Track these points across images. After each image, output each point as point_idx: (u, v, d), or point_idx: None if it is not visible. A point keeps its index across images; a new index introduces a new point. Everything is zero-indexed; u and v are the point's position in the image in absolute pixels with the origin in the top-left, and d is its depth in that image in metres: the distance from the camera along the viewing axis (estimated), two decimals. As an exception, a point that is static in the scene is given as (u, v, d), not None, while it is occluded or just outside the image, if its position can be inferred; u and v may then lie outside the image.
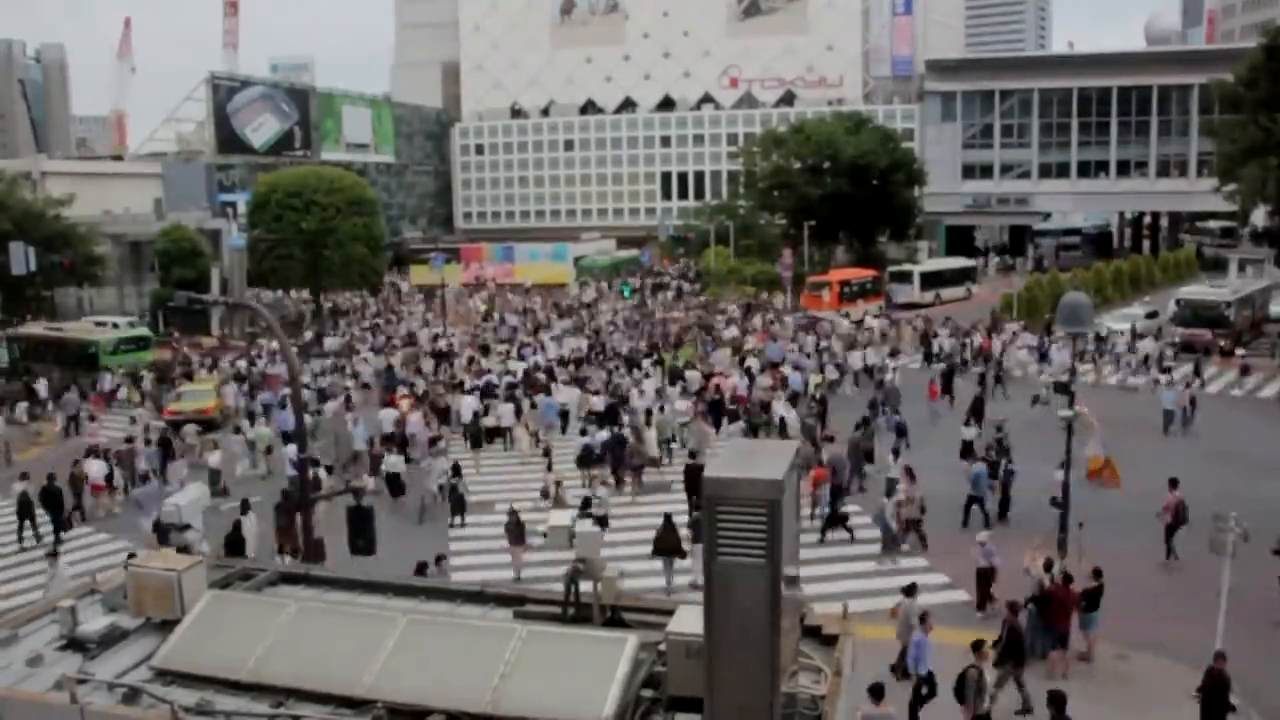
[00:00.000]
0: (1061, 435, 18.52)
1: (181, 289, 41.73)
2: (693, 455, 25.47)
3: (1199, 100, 72.67)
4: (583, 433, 27.27)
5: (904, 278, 60.51)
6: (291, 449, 21.91)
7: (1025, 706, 13.97)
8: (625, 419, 28.62)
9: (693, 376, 33.82)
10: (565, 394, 31.91)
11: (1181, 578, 18.55)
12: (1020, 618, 14.76)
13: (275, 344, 40.83)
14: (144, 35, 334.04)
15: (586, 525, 8.05)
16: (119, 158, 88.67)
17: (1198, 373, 34.29)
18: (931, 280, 60.54)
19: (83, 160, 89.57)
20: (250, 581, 8.62)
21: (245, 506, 20.54)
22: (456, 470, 23.96)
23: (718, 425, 28.61)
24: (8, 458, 30.68)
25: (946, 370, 35.13)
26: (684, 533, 19.35)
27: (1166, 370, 34.61)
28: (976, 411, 28.67)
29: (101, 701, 6.72)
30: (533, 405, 30.33)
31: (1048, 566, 16.05)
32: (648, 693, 6.54)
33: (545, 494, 24.00)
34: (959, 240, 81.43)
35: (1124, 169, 79.82)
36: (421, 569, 17.01)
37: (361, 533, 19.09)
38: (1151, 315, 46.36)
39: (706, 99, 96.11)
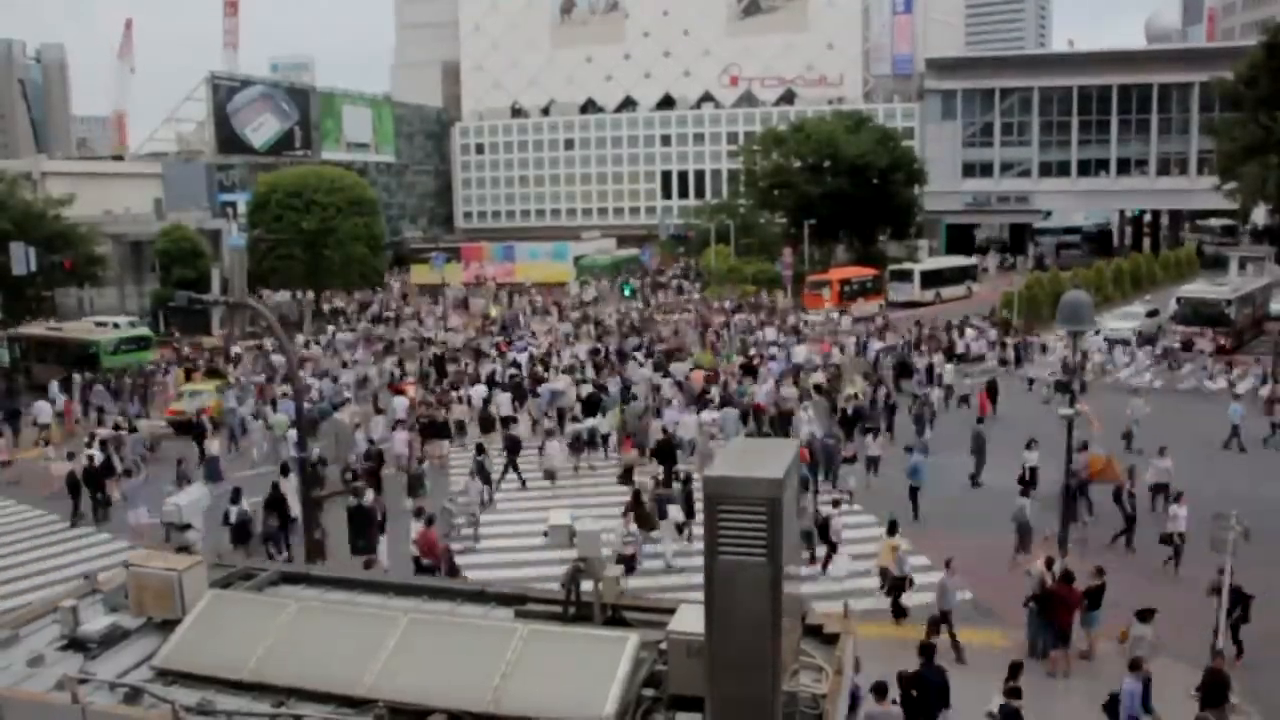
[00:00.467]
0: (1077, 432, 18.70)
1: (182, 289, 41.66)
2: (664, 432, 26.77)
3: (1199, 98, 72.70)
4: (575, 420, 28.74)
5: (904, 276, 60.53)
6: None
7: None
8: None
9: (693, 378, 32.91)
10: (561, 382, 33.12)
11: (1183, 577, 18.52)
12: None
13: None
14: (144, 35, 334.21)
15: (587, 525, 8.05)
16: (119, 158, 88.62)
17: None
18: (932, 279, 60.55)
19: (83, 160, 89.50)
20: (251, 581, 8.63)
21: (236, 495, 21.21)
22: (480, 449, 25.13)
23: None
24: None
25: (991, 380, 33.35)
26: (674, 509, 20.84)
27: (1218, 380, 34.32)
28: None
29: (103, 701, 6.72)
30: (534, 395, 31.88)
31: (1049, 565, 16.04)
32: (649, 691, 6.54)
33: (549, 476, 25.61)
34: (959, 239, 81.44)
35: (1124, 167, 79.82)
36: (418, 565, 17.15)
37: (362, 533, 19.17)
38: (1152, 314, 46.35)
39: (707, 98, 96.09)
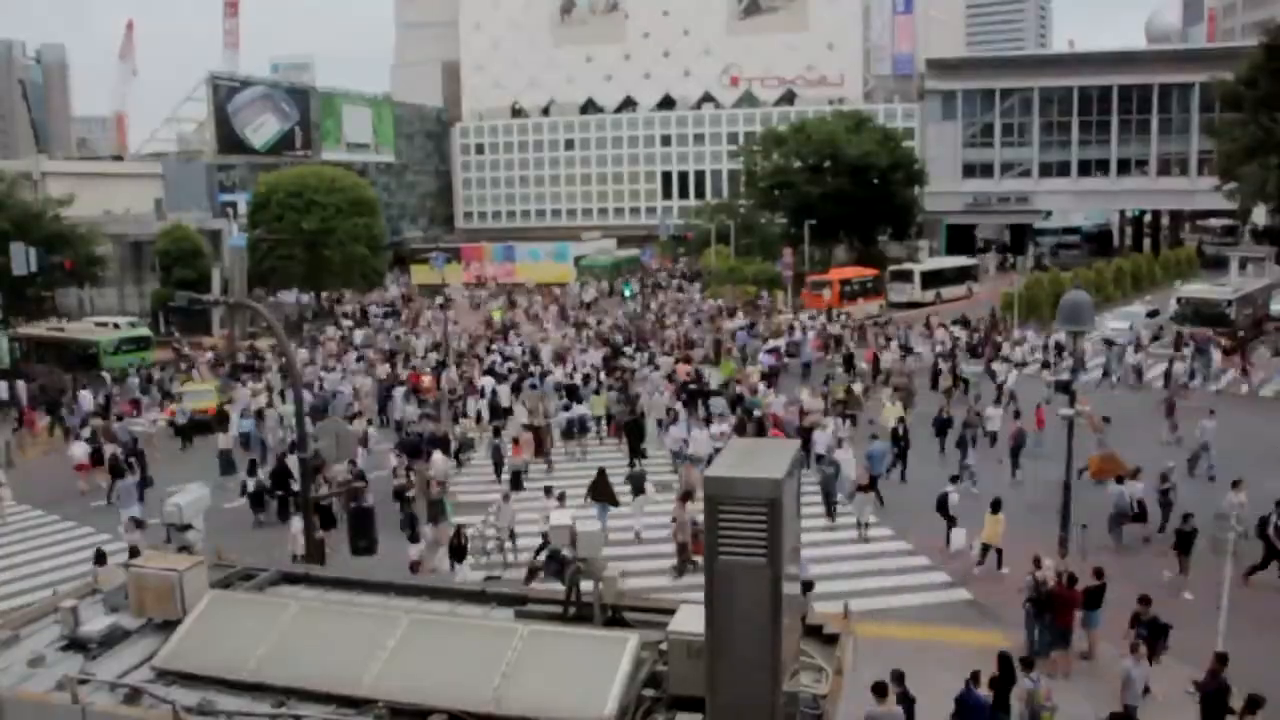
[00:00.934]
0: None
1: (182, 289, 41.87)
2: (633, 411, 29.33)
3: (1199, 98, 72.66)
4: (566, 408, 30.01)
5: (904, 276, 60.50)
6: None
7: None
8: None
9: (717, 402, 30.33)
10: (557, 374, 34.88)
11: (1183, 577, 18.52)
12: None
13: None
14: (144, 35, 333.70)
15: (588, 525, 8.05)
16: (119, 158, 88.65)
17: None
18: (932, 279, 60.52)
19: (83, 160, 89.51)
20: (251, 581, 8.63)
21: (253, 468, 24.10)
22: (497, 432, 27.18)
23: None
24: (9, 459, 30.73)
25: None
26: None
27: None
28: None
29: (103, 702, 6.72)
30: (533, 386, 33.17)
31: (1037, 564, 16.10)
32: (649, 692, 6.54)
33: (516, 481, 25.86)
34: (960, 239, 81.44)
35: (1124, 167, 79.77)
36: (414, 568, 17.17)
37: (363, 533, 19.15)
38: (1153, 314, 46.34)
39: (707, 98, 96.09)
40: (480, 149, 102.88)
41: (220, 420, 30.55)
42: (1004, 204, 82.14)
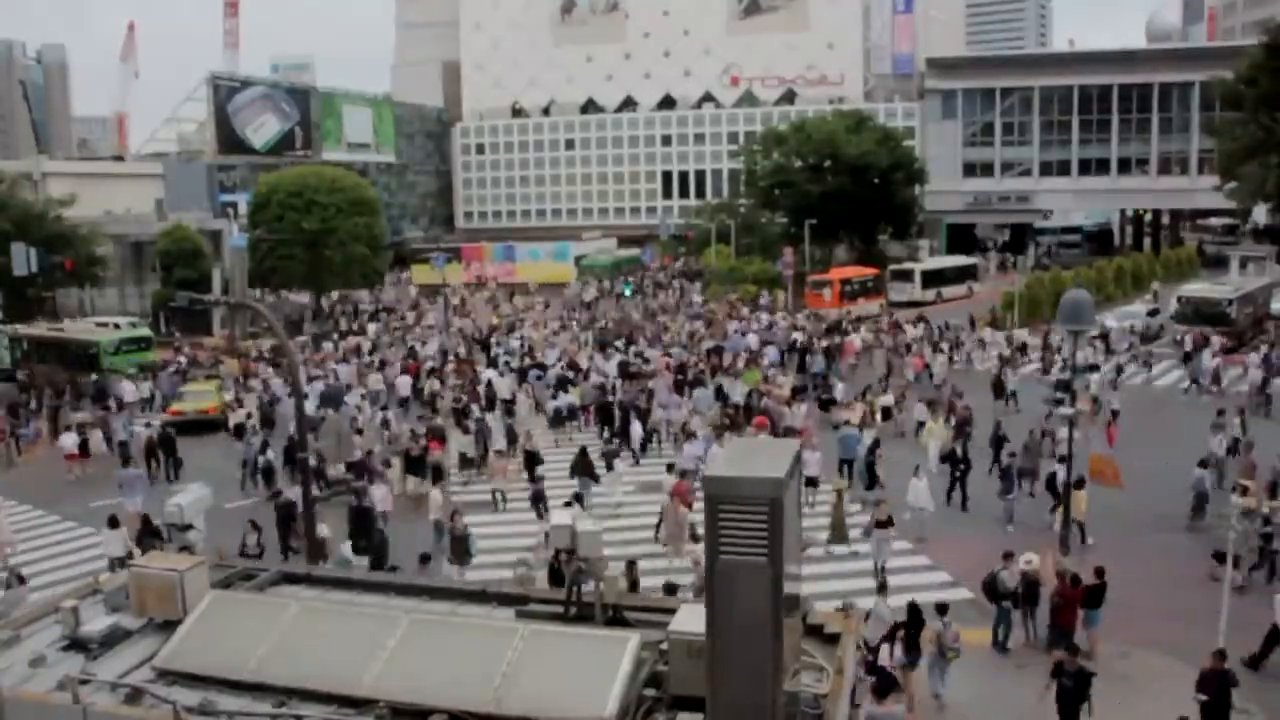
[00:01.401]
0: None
1: (183, 289, 41.94)
2: (604, 390, 32.31)
3: (1200, 97, 72.67)
4: (554, 397, 32.04)
5: (905, 276, 60.48)
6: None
7: None
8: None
9: (702, 394, 30.84)
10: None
11: (1184, 576, 18.53)
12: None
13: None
14: (144, 35, 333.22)
15: (588, 525, 8.05)
16: (120, 158, 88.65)
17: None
18: (933, 279, 60.50)
19: (84, 161, 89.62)
20: (252, 581, 8.63)
21: (264, 446, 26.15)
22: (510, 412, 30.17)
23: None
24: (9, 459, 30.72)
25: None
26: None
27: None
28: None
29: (104, 702, 6.73)
30: (538, 377, 34.83)
31: (1007, 557, 16.24)
32: (650, 691, 6.55)
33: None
34: (960, 238, 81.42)
35: (1125, 166, 79.76)
36: (424, 560, 17.22)
37: (363, 533, 19.16)
38: (1153, 313, 46.31)
39: (707, 98, 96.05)
40: (480, 149, 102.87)
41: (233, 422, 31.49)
42: (1004, 203, 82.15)
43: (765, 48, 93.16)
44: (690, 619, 6.38)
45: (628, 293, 63.14)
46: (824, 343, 40.08)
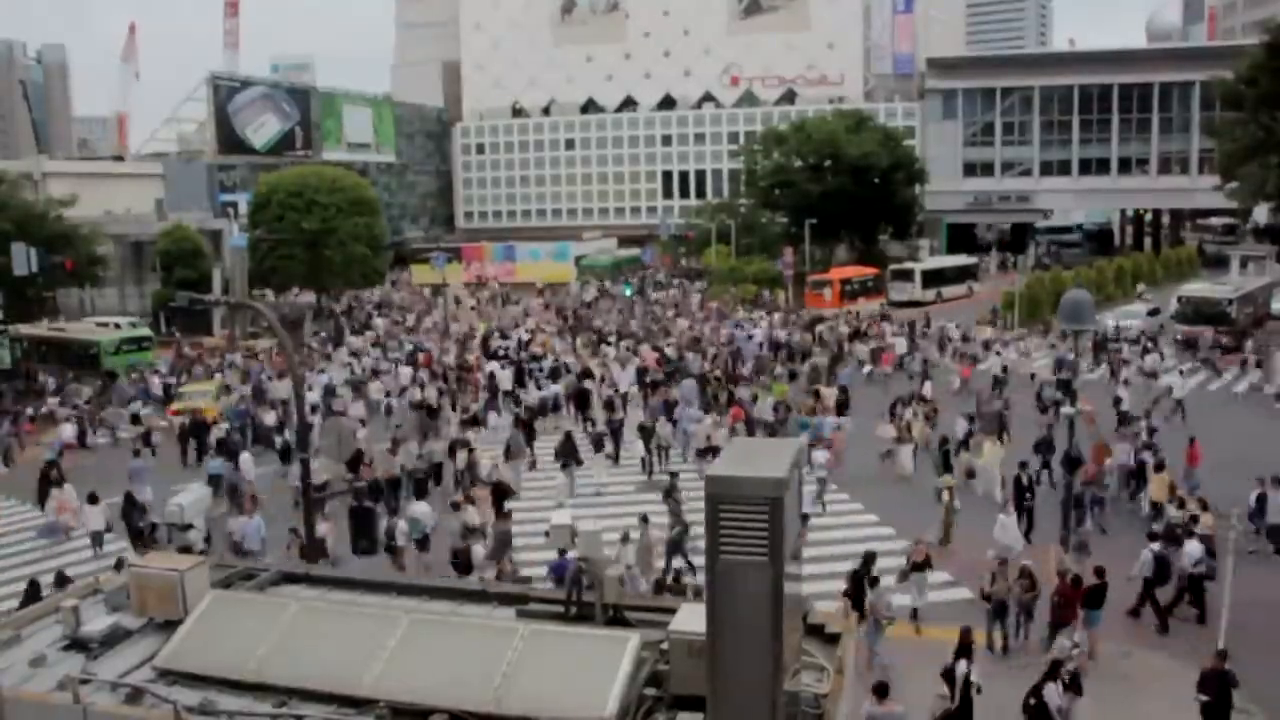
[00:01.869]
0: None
1: (183, 289, 41.96)
2: (582, 378, 33.63)
3: (1200, 97, 72.70)
4: (539, 387, 33.34)
5: (905, 276, 60.51)
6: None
7: None
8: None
9: (687, 386, 30.58)
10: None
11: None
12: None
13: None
14: (144, 35, 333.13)
15: (588, 525, 8.05)
16: (120, 158, 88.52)
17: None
18: (933, 278, 60.54)
19: (84, 161, 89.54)
20: (253, 581, 8.63)
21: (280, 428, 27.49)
22: (518, 402, 31.40)
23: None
24: (8, 459, 30.70)
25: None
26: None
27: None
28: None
29: (104, 702, 6.72)
30: (541, 370, 36.31)
31: (1002, 562, 16.18)
32: (650, 691, 6.54)
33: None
34: (961, 238, 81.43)
35: (1125, 166, 79.81)
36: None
37: (364, 533, 19.13)
38: (1153, 313, 46.31)
39: (707, 97, 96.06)
40: (481, 149, 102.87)
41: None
42: (1005, 203, 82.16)
43: (765, 48, 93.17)
44: (691, 619, 6.37)
45: (628, 293, 63.17)
46: (805, 336, 41.76)
